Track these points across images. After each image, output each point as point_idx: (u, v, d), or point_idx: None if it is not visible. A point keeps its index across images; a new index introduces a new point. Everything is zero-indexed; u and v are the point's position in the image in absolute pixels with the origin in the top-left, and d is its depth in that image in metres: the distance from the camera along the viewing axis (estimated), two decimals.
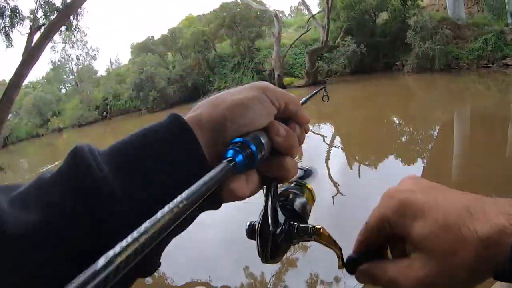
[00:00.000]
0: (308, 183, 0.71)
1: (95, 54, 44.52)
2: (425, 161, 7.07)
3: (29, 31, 9.55)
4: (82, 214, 0.39)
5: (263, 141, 0.49)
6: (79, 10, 14.99)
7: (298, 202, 0.64)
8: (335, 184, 6.75)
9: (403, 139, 9.30)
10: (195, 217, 0.50)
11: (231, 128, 0.49)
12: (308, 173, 0.73)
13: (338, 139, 10.67)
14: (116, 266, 0.28)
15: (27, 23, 13.75)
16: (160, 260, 0.50)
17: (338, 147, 9.64)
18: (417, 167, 6.65)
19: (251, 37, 27.16)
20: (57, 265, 0.38)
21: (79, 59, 43.44)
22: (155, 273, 0.56)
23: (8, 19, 13.83)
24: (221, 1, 29.36)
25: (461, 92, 14.81)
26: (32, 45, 6.75)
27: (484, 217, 0.43)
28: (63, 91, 44.34)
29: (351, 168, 7.69)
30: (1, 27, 13.45)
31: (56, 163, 17.76)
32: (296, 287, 4.20)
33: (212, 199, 0.46)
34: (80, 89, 38.91)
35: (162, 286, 4.73)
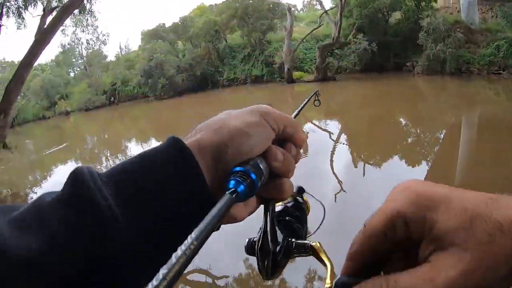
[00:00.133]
0: (303, 196, 0.73)
1: (105, 39, 44.69)
2: (429, 163, 7.05)
3: (42, 12, 9.56)
4: (87, 246, 0.39)
5: (262, 167, 0.50)
6: None
7: (295, 216, 0.67)
8: (338, 181, 6.75)
9: (410, 140, 9.28)
10: None
11: (232, 155, 0.49)
12: (300, 189, 0.74)
13: (344, 136, 10.65)
14: None
15: (40, 5, 13.93)
16: None
17: (344, 144, 9.63)
18: (422, 169, 6.65)
19: (263, 29, 27.07)
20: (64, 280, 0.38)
21: (89, 43, 43.57)
22: None
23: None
24: None
25: (470, 97, 14.74)
26: (45, 27, 6.76)
27: (507, 204, 0.40)
28: (72, 74, 44.47)
29: (355, 166, 7.69)
30: (15, 7, 13.49)
31: (61, 145, 17.83)
32: (295, 279, 4.22)
33: None
34: (89, 73, 39.02)
35: None
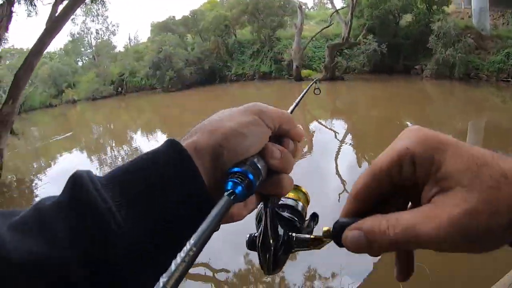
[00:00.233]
0: (302, 187, 0.71)
1: (114, 30, 44.66)
2: None
3: (53, 0, 9.56)
4: (87, 249, 0.40)
5: (259, 166, 0.51)
6: None
7: (295, 210, 0.65)
8: (342, 181, 6.76)
9: None
10: None
11: (228, 156, 0.49)
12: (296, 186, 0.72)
13: (350, 136, 10.64)
14: None
15: None
16: None
17: (349, 145, 9.62)
18: None
19: (273, 26, 27.03)
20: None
21: (98, 33, 43.57)
22: None
23: None
24: None
25: (478, 103, 14.68)
26: (56, 15, 6.78)
27: None
28: (80, 63, 44.53)
29: (360, 166, 7.68)
30: None
31: (67, 134, 17.88)
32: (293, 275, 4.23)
33: None
34: (97, 63, 39.07)
35: None
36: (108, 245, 0.40)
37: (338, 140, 10.00)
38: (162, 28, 33.94)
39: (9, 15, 6.44)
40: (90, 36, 43.65)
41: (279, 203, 0.66)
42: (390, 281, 4.33)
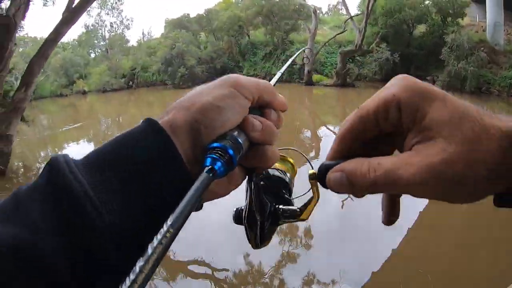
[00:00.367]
0: (289, 158, 0.70)
1: (128, 24, 44.76)
2: None
3: None
4: (65, 232, 0.38)
5: (240, 139, 0.48)
6: None
7: (282, 181, 0.65)
8: None
9: None
10: None
11: (206, 131, 0.47)
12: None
13: None
14: None
15: None
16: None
17: None
18: None
19: (286, 29, 27.04)
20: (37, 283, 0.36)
21: (112, 26, 43.75)
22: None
23: None
24: None
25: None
26: (73, 6, 6.84)
27: (499, 118, 0.42)
28: (92, 55, 44.71)
29: None
30: None
31: (76, 124, 17.94)
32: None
33: None
34: (110, 56, 39.25)
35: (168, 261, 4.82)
36: (85, 229, 0.38)
37: None
38: (176, 25, 34.02)
39: (27, 3, 6.50)
40: (104, 29, 43.84)
41: (266, 175, 0.65)
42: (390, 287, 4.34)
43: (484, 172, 0.40)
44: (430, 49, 21.42)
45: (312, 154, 9.51)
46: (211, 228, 5.40)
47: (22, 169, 10.43)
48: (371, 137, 0.48)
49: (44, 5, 13.99)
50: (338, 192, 0.48)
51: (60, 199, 0.39)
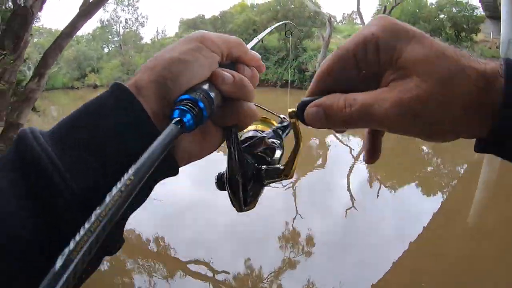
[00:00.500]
0: (272, 120, 0.69)
1: (143, 21, 45.02)
2: (445, 196, 6.96)
3: None
4: (30, 197, 0.37)
5: (210, 92, 0.46)
6: None
7: (265, 141, 0.62)
8: (351, 197, 6.73)
9: (429, 169, 9.18)
10: (152, 188, 0.46)
11: (174, 88, 0.45)
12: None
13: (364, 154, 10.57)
14: (75, 264, 0.28)
15: None
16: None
17: (362, 163, 9.58)
18: (436, 201, 6.55)
19: (300, 35, 27.04)
20: (9, 251, 0.35)
21: (127, 23, 44.05)
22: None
23: None
24: None
25: None
26: (90, 0, 6.89)
27: (476, 60, 0.42)
28: (106, 50, 44.93)
29: (371, 186, 7.64)
30: None
31: None
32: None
33: (167, 165, 0.45)
34: (123, 52, 39.44)
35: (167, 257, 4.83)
36: (53, 200, 0.37)
37: (352, 156, 9.95)
38: (191, 25, 34.24)
39: None
40: (119, 25, 44.15)
41: (246, 136, 0.63)
42: None
43: (459, 112, 0.41)
44: None
45: (319, 161, 9.51)
46: (211, 229, 5.42)
47: None
48: (350, 77, 0.48)
49: None
50: (315, 127, 0.49)
51: (28, 173, 0.38)
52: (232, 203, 0.57)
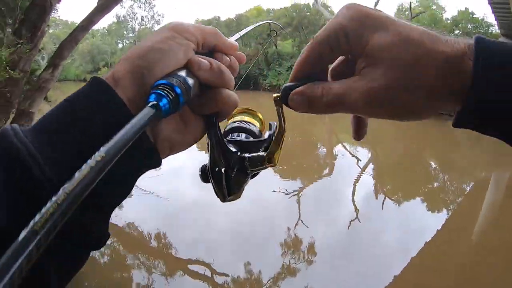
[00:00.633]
0: (258, 112, 0.67)
1: (159, 19, 45.35)
2: (449, 213, 6.92)
3: None
4: (9, 184, 0.37)
5: (187, 79, 0.46)
6: None
7: (247, 131, 0.62)
8: (356, 208, 6.71)
9: (435, 185, 9.13)
10: (135, 181, 0.47)
11: (149, 76, 0.45)
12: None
13: (371, 166, 10.55)
14: (39, 237, 0.28)
15: None
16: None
17: (369, 174, 9.54)
18: (440, 217, 6.51)
19: None
20: None
21: (143, 20, 44.33)
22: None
23: None
24: (293, 1, 29.34)
25: (503, 155, 14.42)
26: None
27: (444, 41, 0.43)
28: (120, 46, 45.22)
29: (376, 198, 7.61)
30: None
31: None
32: None
33: (148, 154, 0.45)
34: None
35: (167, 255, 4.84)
36: (32, 190, 0.37)
37: (359, 167, 9.92)
38: None
39: None
40: (135, 21, 44.48)
41: (230, 127, 0.63)
42: None
43: (424, 95, 0.42)
44: None
45: (326, 171, 9.50)
46: (212, 229, 5.42)
47: None
48: (332, 60, 0.51)
49: None
50: (298, 111, 0.51)
51: (13, 168, 0.38)
52: (216, 194, 0.56)
